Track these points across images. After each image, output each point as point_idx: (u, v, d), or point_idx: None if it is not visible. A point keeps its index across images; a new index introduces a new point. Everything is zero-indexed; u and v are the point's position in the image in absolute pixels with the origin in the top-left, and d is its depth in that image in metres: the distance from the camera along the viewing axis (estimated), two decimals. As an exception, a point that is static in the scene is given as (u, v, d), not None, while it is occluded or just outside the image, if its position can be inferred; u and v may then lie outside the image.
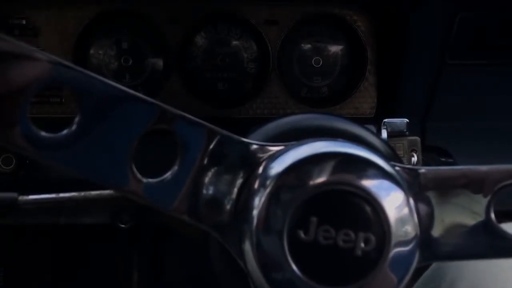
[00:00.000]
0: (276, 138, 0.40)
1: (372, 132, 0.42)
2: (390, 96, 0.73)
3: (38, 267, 0.99)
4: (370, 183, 0.35)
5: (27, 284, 0.99)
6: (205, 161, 0.36)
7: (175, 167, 0.36)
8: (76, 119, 0.33)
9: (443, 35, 0.69)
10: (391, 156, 0.42)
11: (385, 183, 0.36)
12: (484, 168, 0.38)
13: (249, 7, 0.72)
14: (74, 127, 0.33)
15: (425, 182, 0.38)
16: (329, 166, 0.35)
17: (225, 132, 0.37)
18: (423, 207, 0.38)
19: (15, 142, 0.32)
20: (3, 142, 0.32)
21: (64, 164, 0.33)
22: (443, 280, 0.57)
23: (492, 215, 0.38)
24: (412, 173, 0.38)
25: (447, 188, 0.38)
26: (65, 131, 0.33)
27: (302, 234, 0.35)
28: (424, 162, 0.56)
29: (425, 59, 0.71)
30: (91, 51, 0.72)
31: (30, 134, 0.32)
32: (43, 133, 0.33)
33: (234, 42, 0.74)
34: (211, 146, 0.36)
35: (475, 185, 0.38)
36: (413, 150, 0.53)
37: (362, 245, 0.35)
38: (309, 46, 0.75)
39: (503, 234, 0.38)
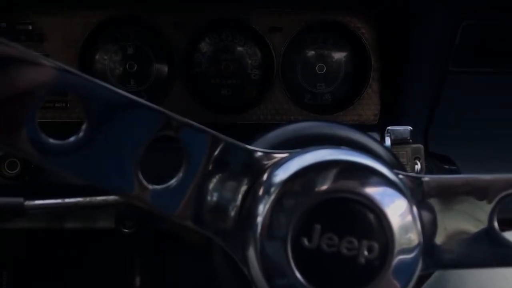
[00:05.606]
0: (280, 146, 0.40)
1: (375, 140, 0.42)
2: (394, 103, 0.73)
3: (41, 271, 0.99)
4: (373, 191, 0.36)
5: (30, 288, 1.00)
6: (210, 168, 0.36)
7: (180, 174, 0.36)
8: (84, 126, 0.33)
9: (447, 43, 0.69)
10: (395, 164, 0.42)
11: (389, 191, 0.36)
12: (487, 177, 0.38)
13: (253, 14, 0.72)
14: (81, 134, 0.33)
15: (428, 190, 0.38)
16: (333, 174, 0.35)
17: (229, 139, 0.37)
18: (426, 215, 0.38)
19: (23, 149, 0.32)
20: (11, 148, 0.33)
21: (70, 170, 0.34)
22: (446, 288, 0.57)
23: (495, 224, 0.38)
24: (416, 181, 0.38)
25: (450, 196, 0.38)
26: (72, 138, 0.33)
27: (305, 242, 0.35)
28: (428, 169, 0.56)
29: (428, 66, 0.71)
30: (97, 57, 0.73)
31: (38, 141, 0.33)
32: (51, 140, 0.33)
33: (238, 49, 0.74)
34: (215, 153, 0.36)
35: (478, 193, 0.38)
36: (416, 158, 0.53)
37: (366, 253, 0.35)
38: (312, 53, 0.75)
39: (506, 243, 0.38)
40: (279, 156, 0.38)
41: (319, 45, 0.75)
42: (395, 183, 0.36)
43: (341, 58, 0.75)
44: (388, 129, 0.53)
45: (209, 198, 0.37)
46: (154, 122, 0.35)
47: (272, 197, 0.35)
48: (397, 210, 0.36)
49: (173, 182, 0.36)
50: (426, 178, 0.38)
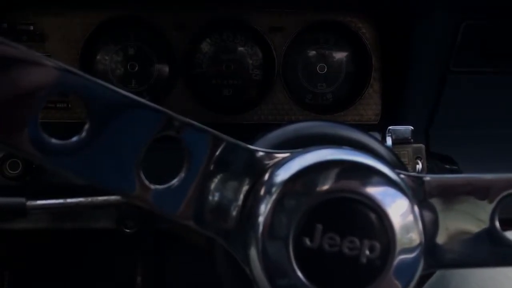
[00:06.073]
0: (281, 145, 0.40)
1: (377, 139, 0.42)
2: (395, 103, 0.74)
3: (42, 271, 0.99)
4: (375, 191, 0.36)
5: (31, 288, 1.00)
6: (211, 168, 0.36)
7: (182, 174, 0.36)
8: (86, 127, 0.33)
9: (447, 43, 0.69)
10: (396, 163, 0.42)
11: (390, 190, 0.36)
12: (488, 176, 0.38)
13: (254, 14, 0.72)
14: (83, 134, 0.33)
15: (429, 190, 0.38)
16: (334, 174, 0.36)
17: (231, 139, 0.37)
18: (427, 215, 0.38)
19: (24, 149, 0.33)
20: (12, 148, 0.33)
21: (72, 170, 0.34)
22: (447, 288, 0.57)
23: (497, 223, 0.38)
24: (417, 180, 0.38)
25: (451, 196, 0.38)
26: (74, 138, 0.33)
27: (307, 241, 0.35)
28: (429, 169, 0.56)
29: (429, 66, 0.71)
30: (98, 57, 0.73)
31: (39, 141, 0.33)
32: (53, 140, 0.33)
33: (240, 49, 0.74)
34: (217, 153, 0.36)
35: (479, 193, 0.38)
36: (417, 158, 0.53)
37: (367, 252, 0.35)
38: (313, 52, 0.75)
39: (508, 243, 0.38)
40: (280, 156, 0.38)
41: (320, 45, 0.75)
42: (396, 182, 0.36)
43: (342, 58, 0.76)
44: (389, 128, 0.53)
45: (210, 198, 0.37)
46: (155, 122, 0.35)
47: (274, 197, 0.35)
48: (399, 209, 0.36)
49: (174, 182, 0.36)
50: (427, 177, 0.38)
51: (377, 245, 0.35)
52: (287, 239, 0.35)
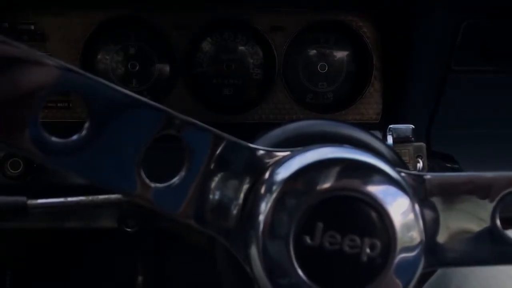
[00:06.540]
0: (282, 144, 0.40)
1: (377, 138, 0.42)
2: (396, 102, 0.74)
3: (44, 271, 0.99)
4: (375, 189, 0.36)
5: (33, 287, 1.00)
6: (212, 166, 0.36)
7: (182, 172, 0.36)
8: (86, 125, 0.33)
9: (449, 42, 0.69)
10: (397, 162, 0.42)
11: (391, 189, 0.36)
12: (489, 174, 0.38)
13: (255, 13, 0.72)
14: (83, 132, 0.33)
15: (430, 188, 0.38)
16: (335, 172, 0.36)
17: (231, 137, 0.37)
18: (428, 213, 0.38)
19: (25, 148, 0.33)
20: (13, 147, 0.33)
21: (73, 169, 0.34)
22: (449, 287, 0.56)
23: (498, 222, 0.38)
24: (418, 179, 0.38)
25: (452, 194, 0.38)
26: (75, 137, 0.33)
27: (308, 240, 0.35)
28: (430, 168, 0.56)
29: (430, 65, 0.71)
30: (99, 57, 0.73)
31: (40, 140, 0.33)
32: (54, 139, 0.33)
33: (240, 48, 0.74)
34: (217, 152, 0.36)
35: (480, 191, 0.38)
36: (418, 156, 0.53)
37: (368, 250, 0.35)
38: (314, 52, 0.75)
39: (509, 241, 0.38)
40: (280, 154, 0.38)
41: (321, 44, 0.75)
42: (397, 181, 0.36)
43: (343, 57, 0.76)
44: (390, 127, 0.53)
45: (211, 196, 0.37)
46: (156, 121, 0.35)
47: (274, 195, 0.36)
48: (399, 208, 0.36)
49: (175, 180, 0.36)
50: (428, 176, 0.38)
51: (378, 243, 0.35)
52: (287, 238, 0.35)
